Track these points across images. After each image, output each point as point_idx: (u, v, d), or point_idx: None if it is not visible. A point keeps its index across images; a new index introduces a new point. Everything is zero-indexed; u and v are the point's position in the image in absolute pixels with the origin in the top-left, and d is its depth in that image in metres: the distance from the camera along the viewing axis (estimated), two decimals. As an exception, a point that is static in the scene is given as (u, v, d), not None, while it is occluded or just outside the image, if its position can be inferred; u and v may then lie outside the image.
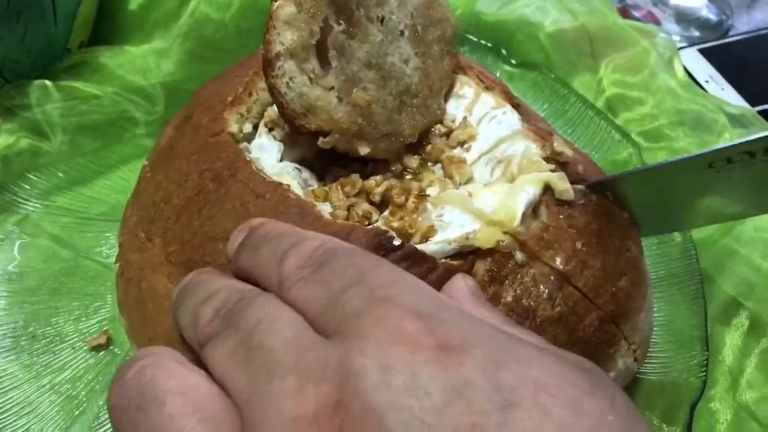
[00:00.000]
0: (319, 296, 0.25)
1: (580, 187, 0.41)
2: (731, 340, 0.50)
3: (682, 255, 0.51)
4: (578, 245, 0.38)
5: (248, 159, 0.38)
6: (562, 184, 0.38)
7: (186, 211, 0.38)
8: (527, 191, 0.38)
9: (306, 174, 0.40)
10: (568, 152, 0.40)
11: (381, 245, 0.34)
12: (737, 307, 0.51)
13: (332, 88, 0.37)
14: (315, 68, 0.36)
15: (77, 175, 0.56)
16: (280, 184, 0.36)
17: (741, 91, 0.74)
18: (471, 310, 0.30)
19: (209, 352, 0.26)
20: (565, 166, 0.41)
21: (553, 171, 0.39)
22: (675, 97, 0.63)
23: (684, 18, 0.87)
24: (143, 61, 0.60)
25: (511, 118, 0.43)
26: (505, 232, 0.37)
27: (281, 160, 0.40)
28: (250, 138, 0.41)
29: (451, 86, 0.45)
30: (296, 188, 0.38)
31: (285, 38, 0.35)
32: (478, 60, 0.65)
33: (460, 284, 0.33)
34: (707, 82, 0.74)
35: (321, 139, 0.38)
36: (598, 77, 0.66)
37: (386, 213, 0.40)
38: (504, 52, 0.66)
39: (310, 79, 0.36)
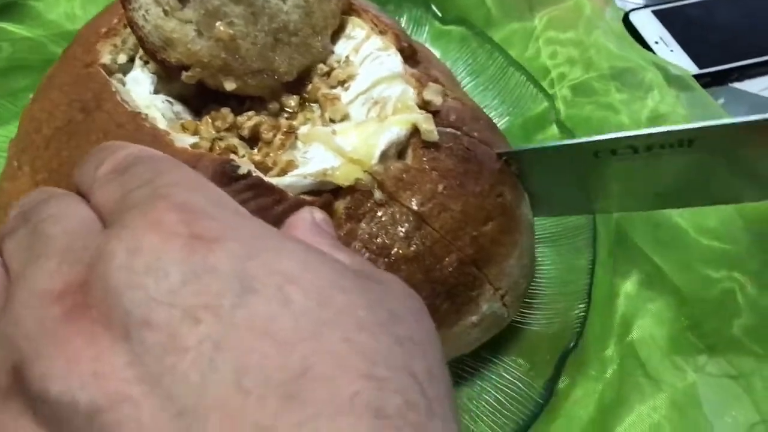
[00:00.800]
0: (113, 196, 0.25)
1: (450, 130, 0.41)
2: (628, 290, 0.52)
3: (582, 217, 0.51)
4: (439, 188, 0.38)
5: (114, 90, 0.38)
6: (427, 125, 0.38)
7: (54, 141, 0.39)
8: (391, 131, 0.38)
9: (179, 107, 0.40)
10: (437, 101, 0.40)
11: (225, 173, 0.34)
12: (644, 260, 0.52)
13: (189, 21, 0.37)
14: (170, 0, 0.36)
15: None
16: (139, 113, 0.37)
17: (690, 54, 0.73)
18: (299, 237, 0.30)
19: (4, 246, 0.26)
20: (435, 114, 0.40)
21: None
22: (607, 52, 0.63)
23: None
24: (70, 6, 0.60)
25: (393, 61, 0.42)
26: (366, 171, 0.37)
27: (156, 93, 0.40)
28: (126, 70, 0.41)
29: (342, 27, 0.45)
30: (161, 120, 0.38)
31: None
32: (407, 14, 0.65)
33: (302, 215, 0.33)
34: (656, 43, 0.73)
35: (184, 73, 0.38)
36: (534, 32, 0.66)
37: (255, 150, 0.40)
38: (433, 7, 0.65)
39: (165, 12, 0.36)
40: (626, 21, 0.75)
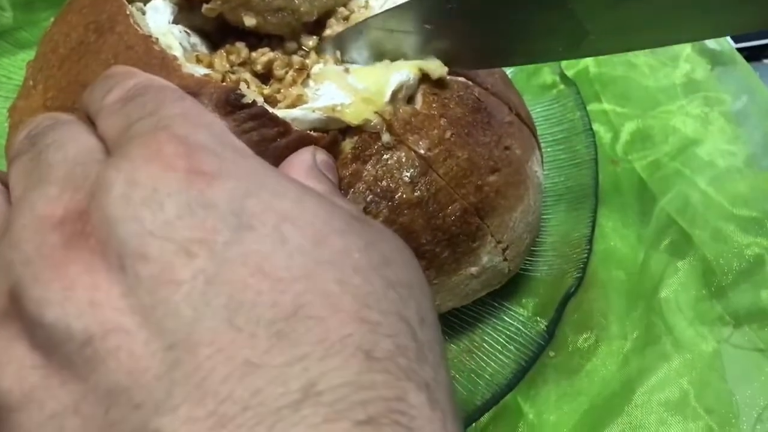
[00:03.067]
0: (117, 125, 0.26)
1: (461, 79, 0.40)
2: (657, 255, 0.51)
3: (583, 163, 0.52)
4: (447, 134, 0.38)
5: (128, 13, 0.38)
6: (434, 65, 0.38)
7: (68, 60, 0.39)
8: (401, 73, 0.38)
9: (196, 40, 0.40)
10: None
11: (228, 101, 0.34)
12: (670, 224, 0.52)
13: None
14: None
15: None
16: (149, 36, 0.37)
17: None
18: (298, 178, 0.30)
19: (10, 169, 0.27)
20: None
21: None
22: None
23: None
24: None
25: (410, 6, 0.42)
26: (375, 112, 0.37)
27: (175, 24, 0.40)
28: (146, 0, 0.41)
29: (365, -30, 0.44)
30: (177, 48, 0.38)
31: None
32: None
33: (303, 156, 0.33)
34: None
35: (205, 6, 0.38)
36: None
37: (268, 86, 0.40)
38: None
39: None
40: None
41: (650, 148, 0.57)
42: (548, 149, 0.53)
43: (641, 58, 0.60)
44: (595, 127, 0.55)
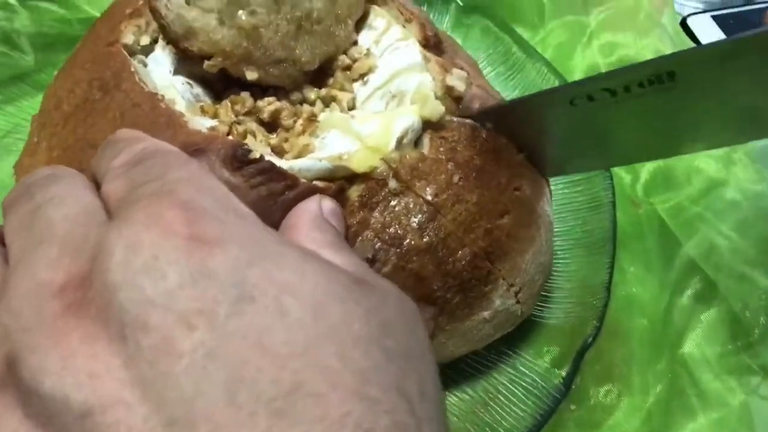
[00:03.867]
0: (121, 187, 0.26)
1: (469, 122, 0.40)
2: (681, 302, 0.50)
3: (600, 206, 0.51)
4: (455, 179, 0.38)
5: (132, 70, 0.38)
6: (431, 108, 0.38)
7: (73, 118, 0.39)
8: (406, 118, 0.38)
9: (198, 90, 0.40)
10: (460, 87, 0.39)
11: (236, 157, 0.34)
12: (694, 271, 0.50)
13: (212, 10, 0.37)
14: None
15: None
16: (156, 94, 0.37)
17: None
18: (302, 233, 0.30)
19: (6, 219, 0.26)
20: (458, 100, 0.40)
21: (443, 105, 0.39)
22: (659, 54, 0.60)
23: None
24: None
25: (412, 51, 0.42)
26: (381, 159, 0.37)
27: (176, 75, 0.40)
28: (148, 52, 0.41)
29: (365, 16, 0.44)
30: (179, 102, 0.38)
31: None
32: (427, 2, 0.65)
33: (310, 205, 0.33)
34: None
35: (206, 62, 0.38)
36: (588, 28, 0.64)
37: (275, 135, 0.40)
38: None
39: (187, 1, 0.36)
40: (684, 26, 0.71)
41: (672, 190, 0.55)
42: (565, 191, 0.52)
43: None
44: (615, 167, 0.54)
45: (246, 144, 0.34)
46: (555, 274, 0.47)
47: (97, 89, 0.38)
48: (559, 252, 0.48)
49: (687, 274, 0.50)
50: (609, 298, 0.46)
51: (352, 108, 0.41)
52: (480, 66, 0.60)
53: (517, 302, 0.40)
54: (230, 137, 0.37)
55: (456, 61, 0.44)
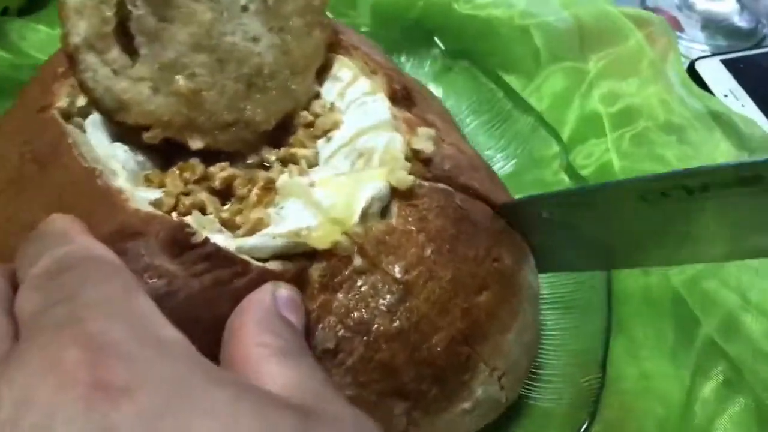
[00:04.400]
0: (32, 306, 0.23)
1: (441, 185, 0.36)
2: (704, 393, 0.43)
3: (591, 274, 0.46)
4: (426, 252, 0.34)
5: (70, 142, 0.34)
6: (400, 176, 0.34)
7: (3, 195, 0.35)
8: (372, 186, 0.34)
9: (142, 157, 0.36)
10: (428, 148, 0.36)
11: (176, 241, 0.30)
12: (716, 355, 0.44)
13: (143, 78, 0.33)
14: (118, 58, 0.33)
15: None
16: (94, 169, 0.33)
17: (765, 110, 0.65)
18: (249, 339, 0.26)
19: None
20: (427, 163, 0.36)
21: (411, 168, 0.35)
22: (668, 103, 0.55)
23: (711, 25, 0.78)
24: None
25: (380, 107, 0.38)
26: (345, 233, 0.33)
27: (117, 140, 0.37)
28: (86, 113, 0.37)
29: (329, 66, 0.41)
30: (120, 173, 0.34)
31: (80, 29, 0.32)
32: (407, 48, 0.61)
33: (261, 297, 0.29)
34: (726, 96, 0.66)
35: (144, 134, 0.35)
36: (588, 75, 0.59)
37: (228, 205, 0.36)
38: (436, 39, 0.61)
39: (114, 71, 0.33)
40: (692, 70, 0.68)
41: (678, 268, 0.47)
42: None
43: (671, 150, 0.53)
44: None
45: (188, 226, 0.31)
46: (543, 348, 0.43)
47: (31, 162, 0.35)
48: (547, 322, 0.44)
49: (708, 358, 0.44)
50: (605, 377, 0.41)
51: (313, 165, 0.38)
52: (463, 114, 0.57)
53: (501, 388, 0.36)
54: (175, 213, 0.33)
55: (427, 115, 0.41)
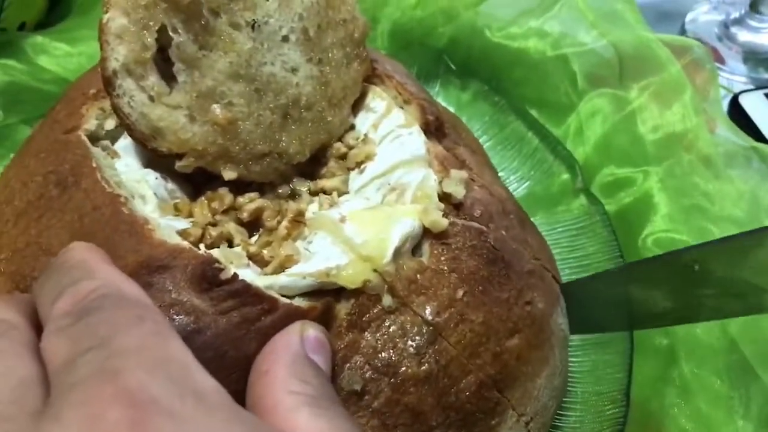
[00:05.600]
0: (62, 351, 0.22)
1: (475, 224, 0.35)
2: None
3: None
4: (458, 294, 0.33)
5: (94, 165, 0.33)
6: (434, 215, 0.33)
7: (25, 216, 0.34)
8: (405, 223, 0.33)
9: (173, 185, 0.35)
10: (459, 193, 0.35)
11: (205, 277, 0.29)
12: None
13: (179, 106, 0.33)
14: (155, 85, 0.32)
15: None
16: (118, 196, 0.32)
17: None
18: (279, 386, 0.25)
19: None
20: (458, 207, 0.35)
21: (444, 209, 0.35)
22: (707, 137, 0.53)
23: (753, 57, 0.75)
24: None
25: (416, 141, 0.37)
26: (375, 271, 0.32)
27: (148, 166, 0.36)
28: (115, 136, 0.36)
29: (363, 96, 0.40)
30: (151, 200, 0.33)
31: (119, 54, 0.31)
32: (417, 65, 0.61)
33: (289, 339, 0.29)
34: None
35: (177, 163, 0.34)
36: (630, 104, 0.56)
37: (256, 237, 0.35)
38: (446, 58, 0.60)
39: (151, 98, 0.32)
40: (735, 104, 0.67)
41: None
42: (573, 277, 0.47)
43: (712, 184, 0.50)
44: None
45: (218, 261, 0.30)
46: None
47: (54, 185, 0.34)
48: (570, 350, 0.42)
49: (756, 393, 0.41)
50: (628, 407, 0.40)
51: (343, 194, 0.37)
52: (476, 135, 0.56)
53: (528, 432, 0.35)
54: (202, 246, 0.32)
55: (458, 149, 0.40)
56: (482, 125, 0.58)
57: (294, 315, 0.30)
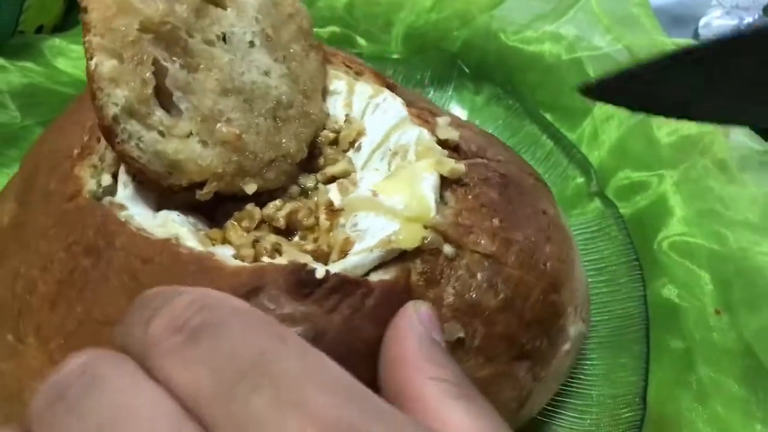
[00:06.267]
0: (204, 382, 0.19)
1: (478, 160, 0.38)
2: None
3: (632, 308, 0.47)
4: (495, 222, 0.36)
5: (121, 220, 0.32)
6: (448, 163, 0.36)
7: (62, 297, 0.32)
8: (429, 177, 0.35)
9: (193, 218, 0.34)
10: (454, 136, 0.38)
11: (302, 282, 0.29)
12: None
13: (190, 133, 0.32)
14: (162, 119, 0.31)
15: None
16: (168, 239, 0.31)
17: None
18: (418, 375, 0.26)
19: None
20: (456, 149, 0.38)
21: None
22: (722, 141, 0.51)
23: None
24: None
25: (394, 104, 0.39)
26: (426, 227, 0.34)
27: (159, 209, 0.34)
28: (112, 191, 0.34)
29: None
30: (187, 238, 0.32)
31: (117, 98, 0.30)
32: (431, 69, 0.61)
33: (410, 324, 0.29)
34: None
35: (198, 192, 0.33)
36: None
37: (296, 238, 0.35)
38: (460, 62, 0.60)
39: (161, 133, 0.31)
40: None
41: (761, 307, 0.44)
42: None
43: (728, 188, 0.49)
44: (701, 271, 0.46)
45: (307, 264, 0.30)
46: (583, 378, 0.45)
47: (83, 255, 0.32)
48: (584, 353, 0.44)
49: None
50: (645, 409, 0.41)
51: (352, 174, 0.38)
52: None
53: (582, 321, 0.40)
54: (266, 260, 0.32)
55: (420, 103, 0.43)
56: (496, 129, 0.58)
57: (389, 291, 0.31)
